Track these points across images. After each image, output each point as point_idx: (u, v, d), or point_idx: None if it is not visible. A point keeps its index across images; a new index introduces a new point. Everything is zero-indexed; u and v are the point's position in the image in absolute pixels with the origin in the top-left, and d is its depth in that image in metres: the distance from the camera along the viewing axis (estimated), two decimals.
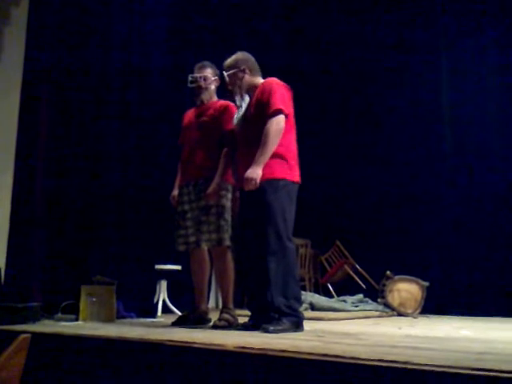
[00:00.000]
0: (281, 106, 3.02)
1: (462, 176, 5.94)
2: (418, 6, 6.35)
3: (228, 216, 3.43)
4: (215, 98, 3.67)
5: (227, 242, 3.39)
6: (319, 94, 6.95)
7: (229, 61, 3.32)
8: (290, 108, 3.13)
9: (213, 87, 3.64)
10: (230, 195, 3.48)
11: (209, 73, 3.61)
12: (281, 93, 3.09)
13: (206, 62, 3.67)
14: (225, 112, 3.50)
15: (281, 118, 3.01)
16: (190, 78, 3.62)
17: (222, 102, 3.60)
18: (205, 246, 3.48)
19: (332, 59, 6.93)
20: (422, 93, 6.33)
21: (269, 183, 2.99)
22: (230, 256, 3.44)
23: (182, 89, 5.48)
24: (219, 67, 3.55)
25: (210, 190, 3.36)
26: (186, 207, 3.54)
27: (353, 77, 6.81)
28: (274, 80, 3.19)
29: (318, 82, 6.96)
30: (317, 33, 7.03)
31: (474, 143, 5.92)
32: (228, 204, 3.46)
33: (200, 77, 3.59)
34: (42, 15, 4.52)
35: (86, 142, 4.78)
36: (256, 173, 2.94)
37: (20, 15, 4.48)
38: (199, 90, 3.61)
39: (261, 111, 3.08)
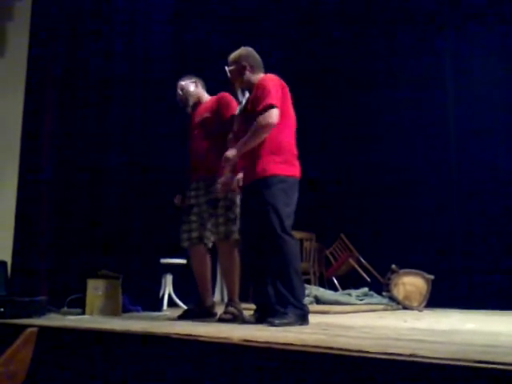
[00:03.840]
0: (271, 101, 3.02)
1: (469, 170, 5.91)
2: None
3: (236, 209, 3.43)
4: (205, 96, 3.79)
5: (235, 236, 3.38)
6: (322, 88, 6.94)
7: (231, 56, 3.34)
8: (282, 103, 3.10)
9: (192, 88, 3.77)
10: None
11: (183, 83, 3.78)
12: (273, 89, 3.08)
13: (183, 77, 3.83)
14: (221, 101, 3.58)
15: (272, 112, 3.01)
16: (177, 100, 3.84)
17: (216, 96, 3.69)
18: (208, 243, 3.49)
19: (335, 53, 6.92)
20: (428, 88, 6.31)
21: (262, 180, 3.01)
22: (236, 250, 3.44)
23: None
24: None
25: (222, 180, 3.34)
26: (193, 201, 3.55)
27: (355, 70, 6.79)
28: (267, 76, 3.20)
29: (320, 76, 6.95)
30: (320, 29, 7.02)
31: (482, 136, 5.86)
32: (237, 198, 3.45)
33: (179, 92, 3.79)
34: (46, 10, 4.52)
35: (91, 135, 4.79)
36: (232, 153, 3.08)
37: (23, 10, 4.48)
38: (184, 101, 3.79)
39: (254, 108, 3.10)
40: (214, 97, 3.70)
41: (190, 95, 3.75)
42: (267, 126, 3.01)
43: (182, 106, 3.80)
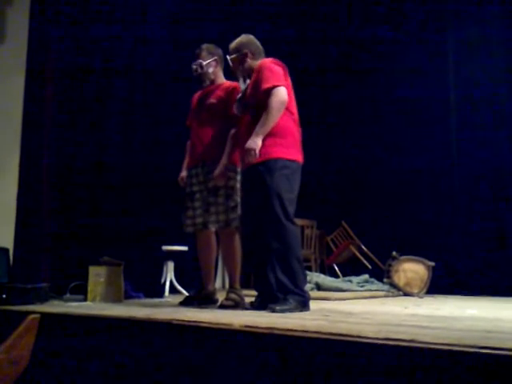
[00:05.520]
0: (275, 83, 3.03)
1: (470, 156, 5.88)
2: None
3: (237, 197, 3.44)
4: (221, 79, 3.69)
5: (235, 224, 3.40)
6: (323, 74, 6.90)
7: (232, 44, 3.34)
8: (285, 83, 3.11)
9: (211, 70, 3.64)
10: (238, 177, 3.48)
11: (203, 57, 3.63)
12: (274, 70, 3.09)
13: (203, 45, 3.67)
14: (232, 94, 3.49)
15: (281, 90, 3.02)
16: (192, 68, 3.67)
17: (230, 83, 3.61)
18: (212, 228, 3.49)
19: (337, 36, 6.87)
20: (430, 76, 6.27)
21: (264, 164, 3.00)
22: (237, 237, 3.46)
23: (187, 66, 5.45)
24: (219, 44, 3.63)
25: (217, 171, 3.37)
26: (195, 188, 3.55)
27: (358, 59, 6.75)
28: (266, 60, 3.20)
29: (320, 63, 6.90)
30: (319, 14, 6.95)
31: (484, 121, 5.82)
32: (237, 185, 3.46)
33: (195, 64, 3.64)
34: None
35: (92, 121, 4.77)
36: (255, 143, 2.96)
37: None
38: (199, 76, 3.66)
39: (256, 91, 3.09)
40: (227, 84, 3.60)
41: (207, 76, 3.64)
42: (282, 104, 3.01)
43: (196, 77, 3.70)
